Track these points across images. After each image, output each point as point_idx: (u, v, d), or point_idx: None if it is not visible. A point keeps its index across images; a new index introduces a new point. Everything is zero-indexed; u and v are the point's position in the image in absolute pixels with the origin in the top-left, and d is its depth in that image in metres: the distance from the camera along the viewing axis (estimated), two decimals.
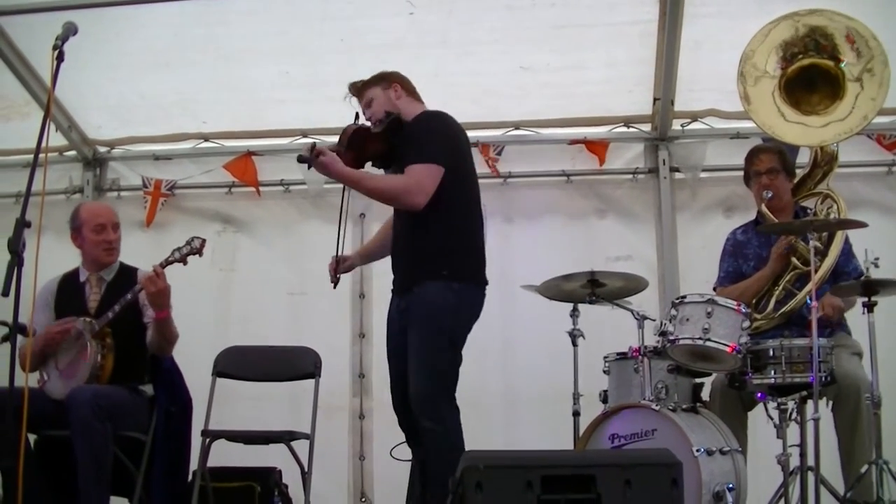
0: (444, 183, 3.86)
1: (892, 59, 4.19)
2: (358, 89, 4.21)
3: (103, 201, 6.16)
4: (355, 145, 3.96)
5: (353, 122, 4.08)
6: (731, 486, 3.91)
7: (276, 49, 5.39)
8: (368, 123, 4.08)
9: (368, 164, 4.12)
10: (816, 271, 4.03)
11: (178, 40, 5.41)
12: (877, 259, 3.97)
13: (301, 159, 3.78)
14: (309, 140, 3.90)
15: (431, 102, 5.62)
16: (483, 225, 4.10)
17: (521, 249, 5.86)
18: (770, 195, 4.49)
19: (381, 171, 4.22)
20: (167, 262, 4.32)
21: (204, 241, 4.39)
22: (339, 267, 4.19)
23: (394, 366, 4.09)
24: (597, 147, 5.84)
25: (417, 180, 3.83)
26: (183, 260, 4.35)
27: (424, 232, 3.89)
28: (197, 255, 4.38)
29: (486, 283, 4.04)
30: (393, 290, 4.14)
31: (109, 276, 4.56)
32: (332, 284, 4.17)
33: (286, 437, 4.49)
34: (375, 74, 4.22)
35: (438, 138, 3.93)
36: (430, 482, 3.81)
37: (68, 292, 4.55)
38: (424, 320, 3.87)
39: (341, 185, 4.09)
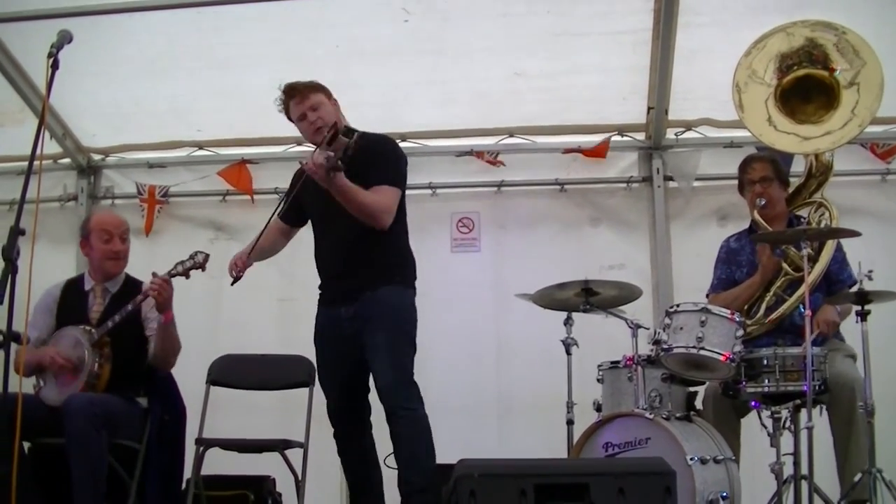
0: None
1: (889, 65, 4.19)
2: (300, 91, 4.20)
3: (97, 209, 6.15)
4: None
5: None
6: (724, 494, 3.92)
7: (271, 56, 5.39)
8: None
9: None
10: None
11: (172, 47, 5.41)
12: (870, 272, 3.96)
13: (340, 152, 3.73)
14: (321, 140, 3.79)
15: (427, 108, 5.68)
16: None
17: (515, 258, 5.87)
18: (763, 203, 4.50)
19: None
20: (170, 276, 4.31)
21: (207, 255, 4.36)
22: (244, 266, 4.20)
23: (333, 373, 4.22)
24: (593, 151, 5.84)
25: (389, 202, 4.04)
26: (186, 273, 4.33)
27: (376, 244, 4.04)
28: (200, 270, 4.37)
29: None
30: (328, 300, 4.20)
31: (115, 288, 4.54)
32: (232, 282, 4.16)
33: (280, 446, 4.48)
34: (314, 82, 4.24)
35: (400, 163, 4.17)
36: (406, 465, 3.94)
37: (71, 299, 4.53)
38: (391, 322, 4.03)
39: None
